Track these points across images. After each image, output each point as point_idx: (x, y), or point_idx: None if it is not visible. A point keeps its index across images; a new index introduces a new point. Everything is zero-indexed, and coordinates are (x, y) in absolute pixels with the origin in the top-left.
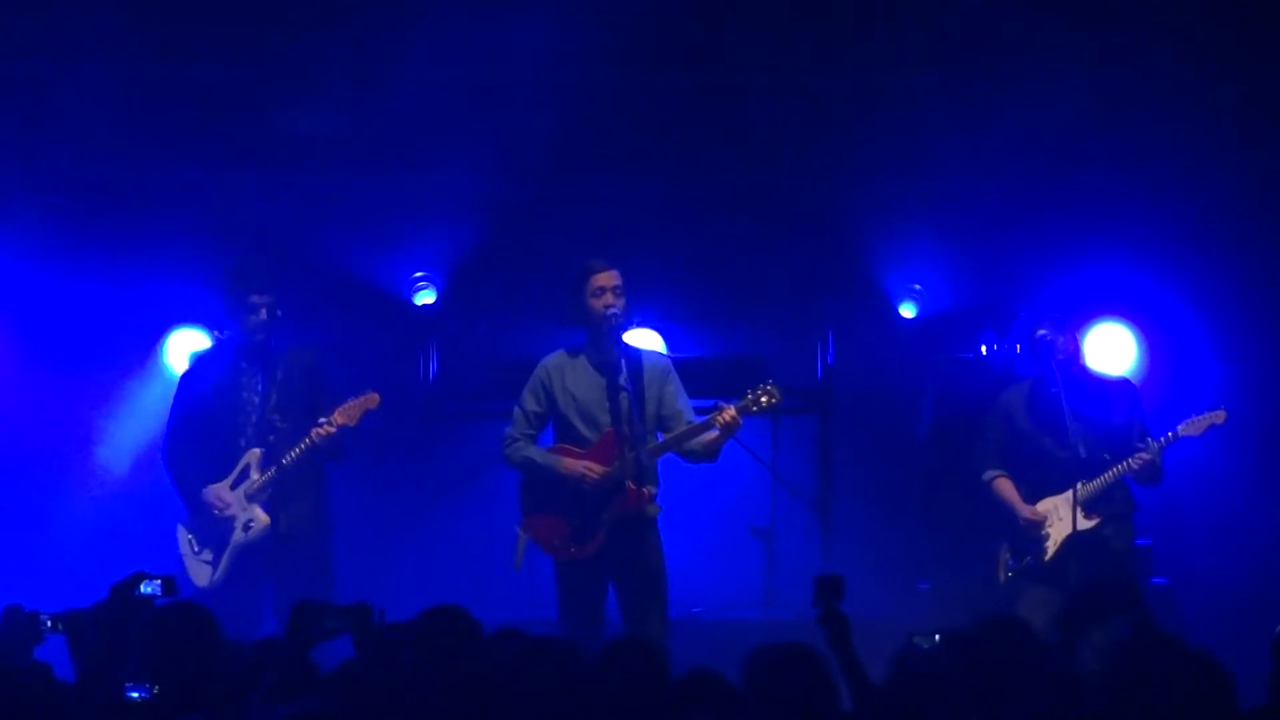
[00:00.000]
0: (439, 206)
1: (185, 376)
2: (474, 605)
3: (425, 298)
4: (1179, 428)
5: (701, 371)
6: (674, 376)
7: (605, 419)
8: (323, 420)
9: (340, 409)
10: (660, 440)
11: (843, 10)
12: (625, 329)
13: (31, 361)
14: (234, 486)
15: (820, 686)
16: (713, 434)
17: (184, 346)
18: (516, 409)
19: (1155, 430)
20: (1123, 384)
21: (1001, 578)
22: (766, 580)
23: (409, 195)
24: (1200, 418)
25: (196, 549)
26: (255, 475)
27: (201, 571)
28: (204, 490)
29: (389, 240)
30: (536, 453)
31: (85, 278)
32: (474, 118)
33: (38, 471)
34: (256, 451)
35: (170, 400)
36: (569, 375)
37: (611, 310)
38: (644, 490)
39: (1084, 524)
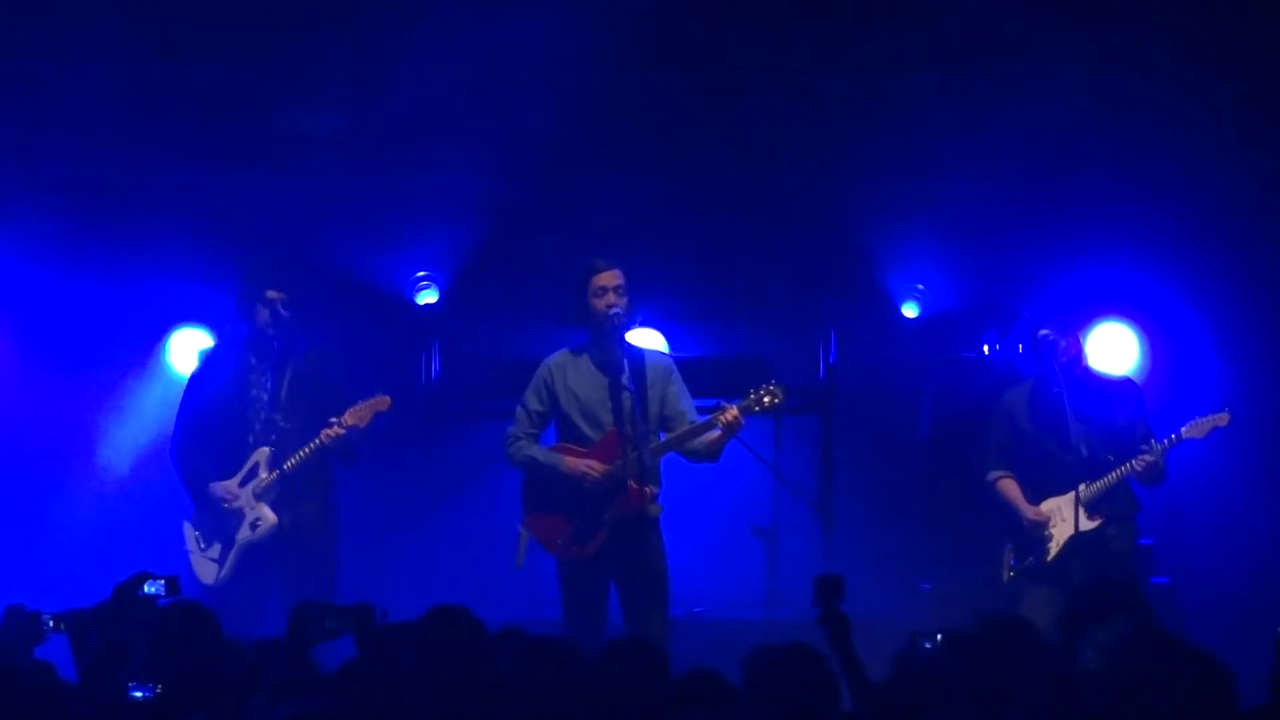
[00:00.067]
0: (440, 206)
1: (195, 374)
2: (475, 605)
3: (427, 297)
4: (1182, 430)
5: (703, 371)
6: (677, 376)
7: (608, 418)
8: (333, 421)
9: (351, 410)
10: (662, 440)
11: (843, 10)
12: (628, 328)
13: (32, 361)
14: (242, 484)
15: (821, 687)
16: (715, 434)
17: (185, 346)
18: (519, 408)
19: (1158, 430)
20: (1125, 384)
21: (1004, 578)
22: (768, 580)
23: (410, 195)
24: (1203, 420)
25: (203, 546)
26: (264, 474)
27: (207, 569)
28: (212, 485)
29: (390, 240)
30: (539, 452)
31: (86, 278)
32: (475, 117)
33: (39, 471)
34: (265, 450)
35: (178, 398)
36: (572, 374)
37: (614, 310)
38: (646, 490)
39: (1087, 525)
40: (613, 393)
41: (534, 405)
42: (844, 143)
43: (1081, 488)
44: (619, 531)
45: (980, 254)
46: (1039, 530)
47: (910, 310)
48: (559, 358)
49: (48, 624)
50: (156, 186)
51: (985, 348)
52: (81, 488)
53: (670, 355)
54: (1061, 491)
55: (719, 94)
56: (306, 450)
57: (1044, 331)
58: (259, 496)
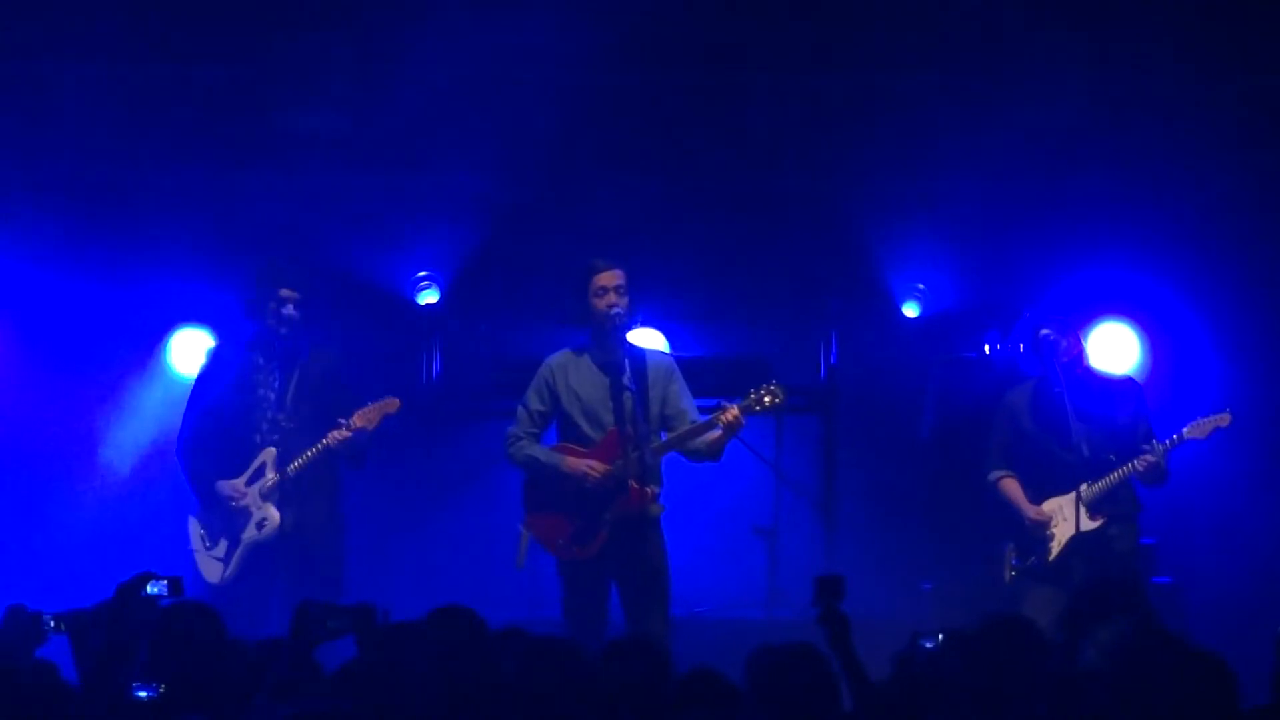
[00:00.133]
0: (441, 206)
1: (203, 372)
2: (476, 605)
3: (428, 297)
4: (1184, 430)
5: (704, 371)
6: (678, 376)
7: (609, 418)
8: (340, 422)
9: (359, 413)
10: (663, 439)
11: (843, 10)
12: (629, 328)
13: (34, 362)
14: (249, 484)
15: (823, 687)
16: (716, 433)
17: (186, 346)
18: (520, 407)
19: (1160, 430)
20: (1127, 383)
21: (1006, 577)
22: (769, 580)
23: (411, 195)
24: (1205, 420)
25: (208, 545)
26: (270, 474)
27: (213, 568)
28: (219, 484)
29: (391, 240)
30: (540, 451)
31: (87, 277)
32: (476, 117)
33: (40, 472)
34: (272, 450)
35: (179, 398)
36: (573, 374)
37: (615, 310)
38: (647, 490)
39: (1088, 524)
40: (614, 392)
41: (535, 405)
42: (845, 142)
43: (1083, 487)
44: (620, 531)
45: (981, 254)
46: (1040, 530)
47: (911, 310)
48: (560, 357)
49: (49, 624)
50: (157, 186)
51: (986, 347)
52: (82, 488)
53: (671, 355)
54: (1063, 491)
55: (720, 94)
56: (312, 452)
57: (1045, 331)
58: (265, 496)
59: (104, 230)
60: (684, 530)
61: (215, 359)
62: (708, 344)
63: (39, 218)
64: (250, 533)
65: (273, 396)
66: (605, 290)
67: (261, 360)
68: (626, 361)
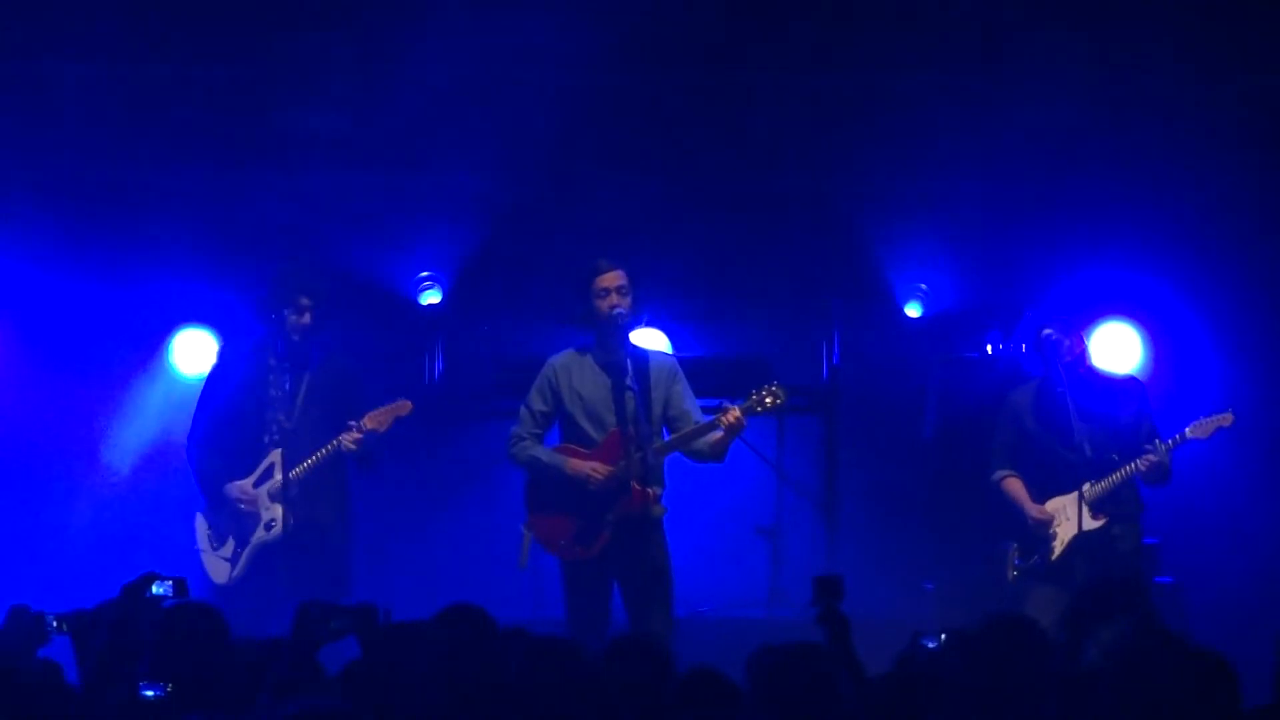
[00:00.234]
0: (443, 206)
1: (214, 371)
2: (478, 605)
3: (430, 297)
4: (1186, 430)
5: (706, 371)
6: (681, 377)
7: (611, 419)
8: (351, 425)
9: (370, 415)
10: (666, 440)
11: (844, 10)
12: (632, 328)
13: (35, 362)
14: (257, 484)
15: (824, 687)
16: (718, 434)
17: (188, 346)
18: (523, 408)
19: (1163, 430)
20: (1130, 382)
21: (1009, 577)
22: (771, 579)
23: (413, 195)
24: (1208, 420)
25: (215, 545)
26: (278, 475)
27: (220, 568)
28: (228, 486)
29: (393, 240)
30: (542, 452)
31: (88, 278)
32: (478, 118)
33: (42, 472)
34: (281, 451)
35: (180, 398)
36: (576, 375)
37: (617, 310)
38: (649, 491)
39: (1091, 524)
40: (616, 393)
41: (537, 405)
42: (846, 142)
43: (1086, 487)
44: (622, 532)
45: (983, 253)
46: (1043, 529)
47: (913, 310)
48: (563, 358)
49: (51, 625)
50: (157, 186)
51: (988, 347)
52: (84, 488)
53: (674, 355)
54: (1066, 491)
55: (720, 94)
56: (321, 453)
57: (1047, 331)
58: (273, 497)
59: (104, 230)
60: (686, 530)
61: (226, 359)
62: (709, 344)
63: (39, 218)
64: (259, 534)
65: (283, 398)
66: (607, 291)
67: (273, 361)
68: (629, 362)
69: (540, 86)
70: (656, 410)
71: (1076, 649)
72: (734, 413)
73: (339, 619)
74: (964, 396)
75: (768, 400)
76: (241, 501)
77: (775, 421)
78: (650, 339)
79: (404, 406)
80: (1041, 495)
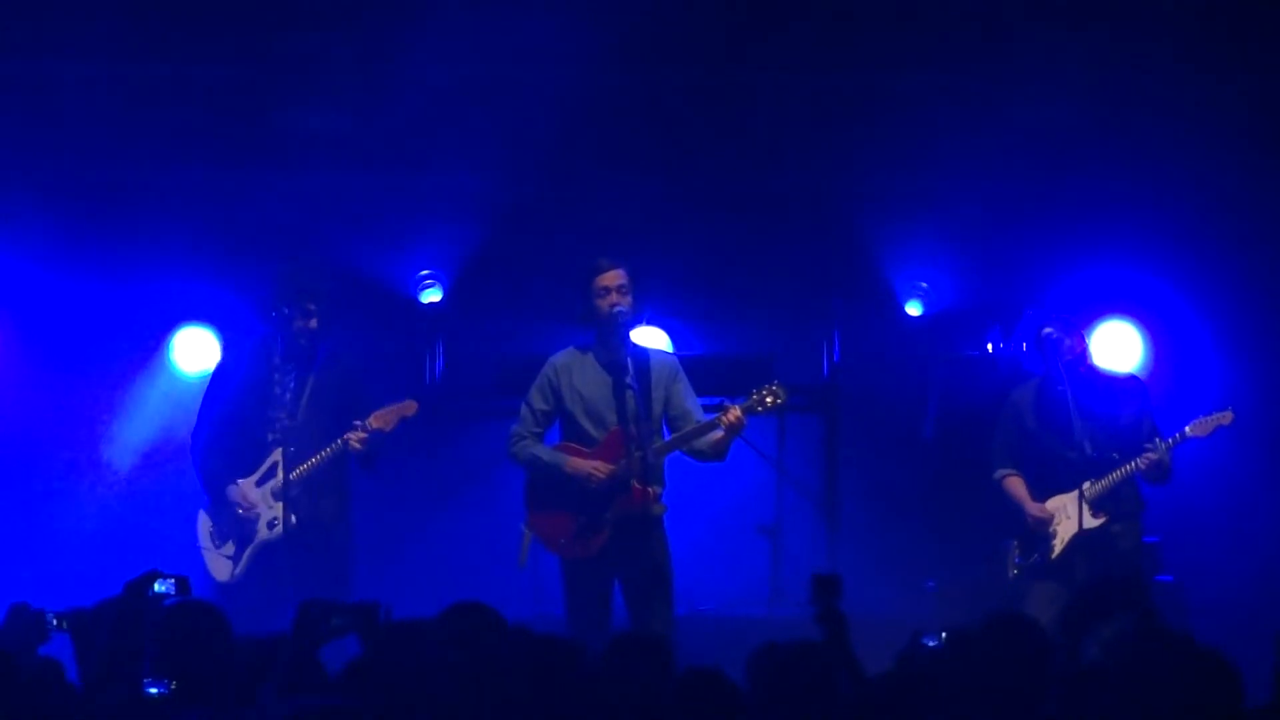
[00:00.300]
0: (444, 205)
1: (219, 370)
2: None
3: (431, 296)
4: (1186, 428)
5: (707, 370)
6: (682, 376)
7: (612, 418)
8: (356, 424)
9: (376, 414)
10: (666, 439)
11: (844, 10)
12: (632, 327)
13: (36, 361)
14: (260, 483)
15: (824, 686)
16: (718, 434)
17: (188, 345)
18: (523, 406)
19: (1164, 428)
20: (1131, 381)
21: (1009, 575)
22: (772, 578)
23: (413, 194)
24: (1208, 418)
25: (217, 543)
26: (281, 474)
27: (222, 566)
28: (229, 488)
29: (394, 239)
30: (543, 450)
31: (90, 277)
32: (479, 116)
33: (42, 470)
34: (284, 450)
35: (181, 396)
36: (577, 373)
37: (617, 309)
38: (649, 489)
39: (1091, 522)
40: (617, 392)
41: (538, 404)
42: (847, 142)
43: (1086, 485)
44: (622, 531)
45: (984, 252)
46: (1043, 528)
47: (914, 309)
48: (564, 356)
49: (51, 622)
50: (161, 186)
51: (989, 346)
52: (85, 487)
53: (674, 354)
54: (1066, 489)
55: (721, 93)
56: (325, 453)
57: (1048, 330)
58: (276, 496)
59: (105, 229)
60: (686, 528)
61: (230, 357)
62: (710, 343)
63: (39, 217)
64: (261, 533)
65: (287, 397)
66: (607, 290)
67: (277, 361)
68: (629, 361)
69: (540, 86)
70: (657, 409)
71: (1076, 647)
72: (734, 412)
73: (340, 617)
74: (965, 395)
75: (768, 400)
76: (240, 509)
77: (776, 420)
78: (651, 337)
79: (409, 407)
80: (1042, 494)
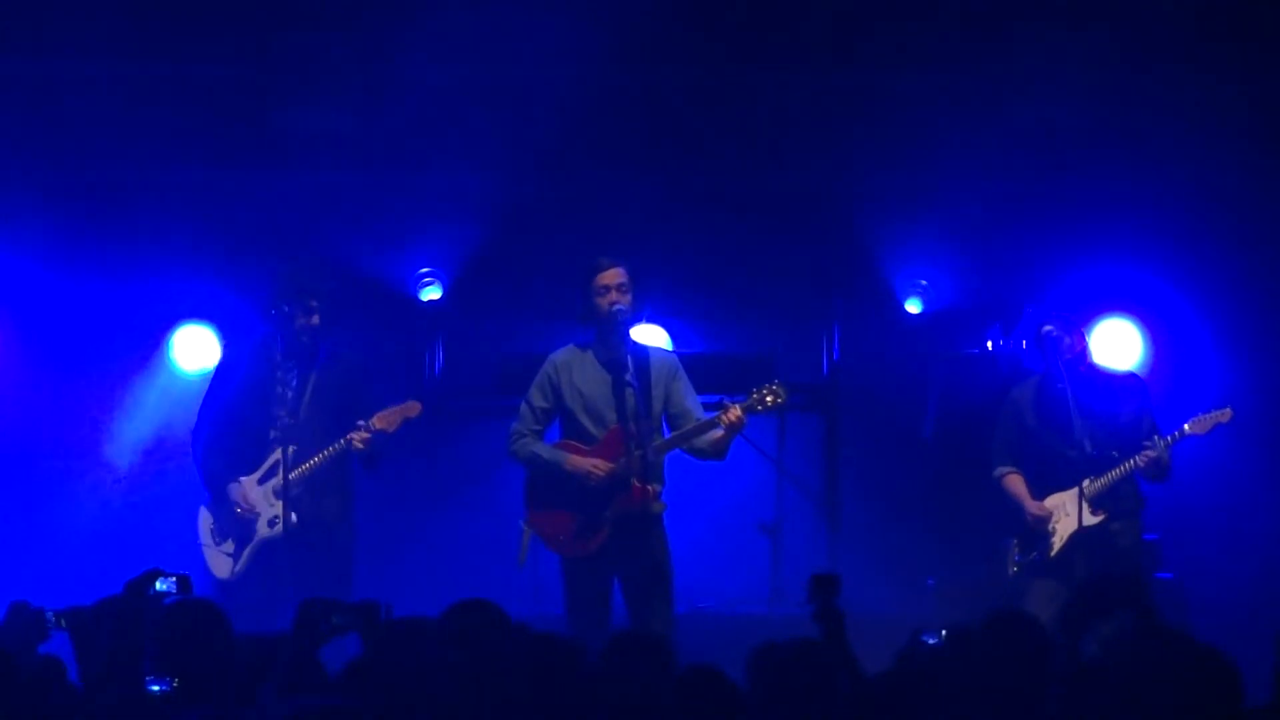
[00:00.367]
0: (444, 203)
1: (220, 367)
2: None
3: (431, 294)
4: (1185, 426)
5: (707, 367)
6: (682, 374)
7: (611, 416)
8: (360, 424)
9: (379, 415)
10: (666, 437)
11: (845, 10)
12: (632, 325)
13: (36, 360)
14: (262, 481)
15: (824, 684)
16: (718, 433)
17: (187, 343)
18: (523, 404)
19: (1164, 426)
20: (1130, 379)
21: (1009, 572)
22: (772, 576)
23: (414, 192)
24: (1206, 416)
25: (218, 540)
26: (283, 472)
27: (222, 563)
28: (230, 485)
29: (394, 237)
30: (542, 448)
31: (88, 276)
32: (479, 117)
33: (42, 469)
34: (287, 448)
35: (187, 392)
36: (576, 371)
37: (617, 307)
38: (649, 487)
39: (1090, 520)
40: (616, 390)
41: (538, 402)
42: (847, 140)
43: (1085, 483)
44: (622, 529)
45: (984, 250)
46: (1041, 526)
47: (914, 306)
48: (564, 354)
49: (51, 621)
50: (161, 184)
51: (989, 344)
52: (84, 485)
53: (675, 352)
54: (1066, 487)
55: (722, 92)
56: (327, 452)
57: (1048, 327)
58: (278, 494)
59: (104, 228)
60: (686, 526)
61: (231, 355)
62: (710, 341)
63: (39, 216)
64: (261, 530)
65: (289, 395)
66: (607, 289)
67: (279, 359)
68: (629, 359)
69: (540, 86)
70: (656, 407)
71: (1076, 645)
72: (735, 411)
73: (340, 616)
74: (965, 393)
75: (769, 399)
76: (239, 509)
77: (776, 418)
78: (651, 335)
79: (413, 408)
80: (1042, 491)
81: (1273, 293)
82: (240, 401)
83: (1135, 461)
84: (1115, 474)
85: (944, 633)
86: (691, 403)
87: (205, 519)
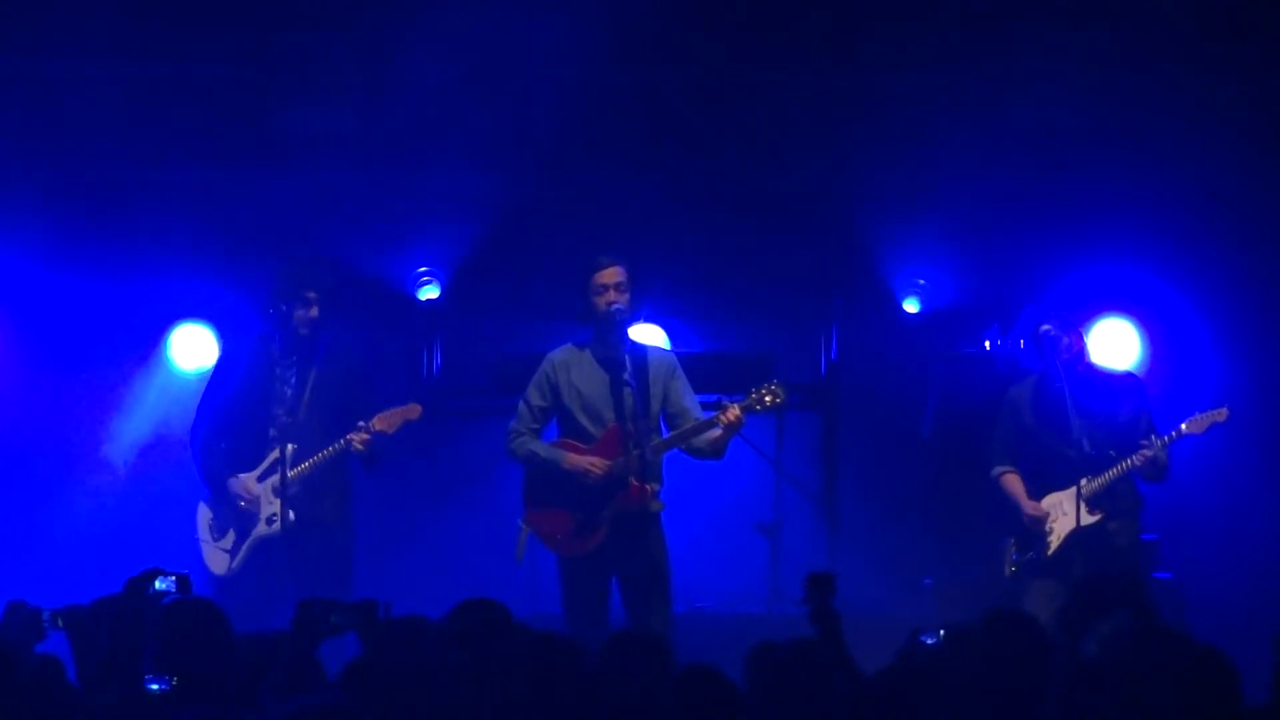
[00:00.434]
0: (442, 203)
1: (219, 365)
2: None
3: (429, 293)
4: (1182, 426)
5: (706, 367)
6: (680, 373)
7: (609, 414)
8: (360, 425)
9: (380, 416)
10: (664, 436)
11: (845, 9)
12: (630, 324)
13: (35, 359)
14: (261, 479)
15: (823, 684)
16: (717, 432)
17: (186, 342)
18: (521, 403)
19: (1161, 426)
20: (1128, 378)
21: (1006, 572)
22: (770, 576)
23: (412, 191)
24: (1203, 416)
25: (216, 536)
26: (281, 471)
27: (219, 560)
28: (230, 481)
29: (392, 236)
30: (540, 447)
31: (89, 275)
32: (479, 116)
33: (41, 468)
34: (286, 446)
35: (187, 391)
36: (575, 370)
37: (615, 306)
38: (647, 486)
39: (1088, 519)
40: (614, 389)
41: (536, 401)
42: (847, 140)
43: (1083, 482)
44: (620, 528)
45: (982, 249)
46: (1038, 525)
47: (912, 306)
48: (562, 353)
49: (48, 620)
50: (161, 184)
51: (987, 343)
52: (83, 484)
53: (673, 351)
54: (1064, 486)
55: (721, 92)
56: (327, 452)
57: (1046, 327)
58: (277, 492)
59: (104, 227)
60: (685, 526)
61: (230, 353)
62: (709, 340)
63: (39, 216)
64: (260, 527)
65: (289, 393)
66: (605, 288)
67: (278, 357)
68: (627, 358)
69: (540, 86)
70: (654, 406)
71: (1074, 644)
72: (733, 410)
73: (339, 615)
74: (963, 392)
75: (767, 399)
76: (241, 501)
77: (774, 418)
78: (649, 334)
79: (413, 410)
80: (1040, 491)
81: (1272, 293)
82: (239, 399)
83: (1132, 461)
84: (1113, 473)
85: (942, 632)
86: (690, 402)
87: (204, 514)
